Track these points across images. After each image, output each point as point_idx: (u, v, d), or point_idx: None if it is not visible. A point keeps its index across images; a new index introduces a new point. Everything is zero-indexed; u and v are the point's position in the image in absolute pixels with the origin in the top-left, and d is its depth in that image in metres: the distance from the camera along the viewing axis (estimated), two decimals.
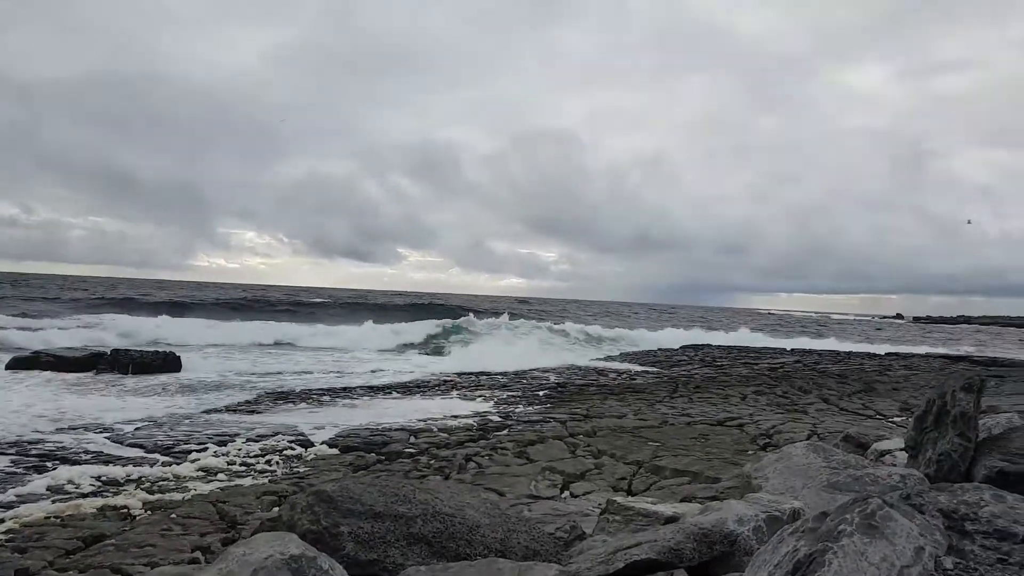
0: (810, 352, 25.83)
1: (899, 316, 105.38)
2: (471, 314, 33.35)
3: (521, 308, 56.21)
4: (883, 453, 4.99)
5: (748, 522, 3.07)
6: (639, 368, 19.23)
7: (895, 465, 4.39)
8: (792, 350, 26.84)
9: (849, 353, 26.04)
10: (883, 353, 26.60)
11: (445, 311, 37.86)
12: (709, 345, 28.23)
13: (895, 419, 10.67)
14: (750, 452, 8.18)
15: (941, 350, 29.83)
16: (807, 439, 8.95)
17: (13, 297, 38.48)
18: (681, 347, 26.92)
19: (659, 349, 26.31)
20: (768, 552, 2.29)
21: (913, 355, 25.92)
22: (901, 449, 4.54)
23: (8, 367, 14.41)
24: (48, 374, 14.02)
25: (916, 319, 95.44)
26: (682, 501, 5.34)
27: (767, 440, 8.98)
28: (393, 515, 3.20)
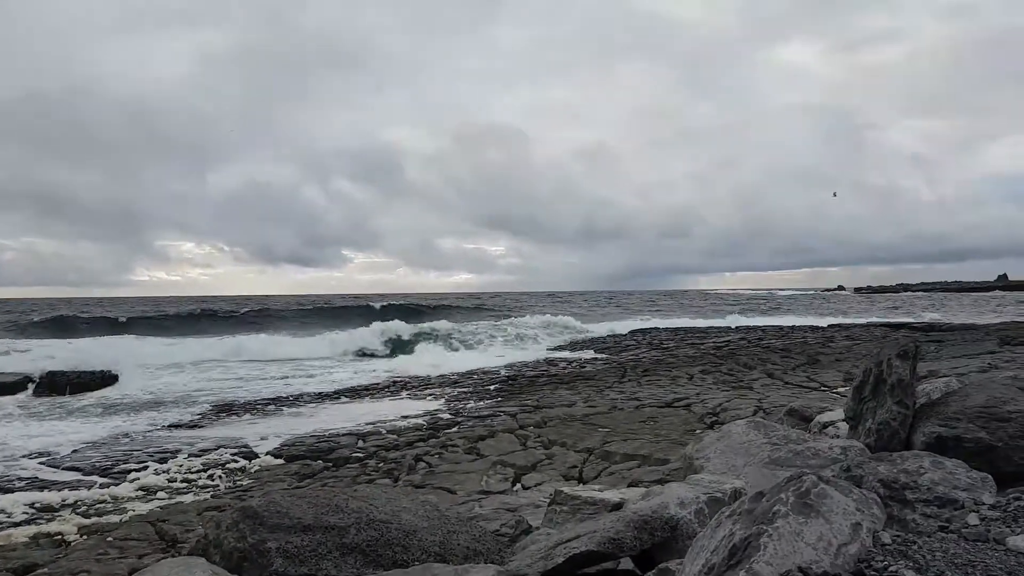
0: (754, 329, 26.31)
1: (841, 288, 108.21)
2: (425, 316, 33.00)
3: (468, 302, 55.98)
4: (826, 425, 5.02)
5: (689, 505, 3.02)
6: (589, 356, 19.30)
7: (838, 437, 4.40)
8: (736, 328, 27.30)
9: (792, 327, 26.61)
10: (825, 325, 27.26)
11: (397, 312, 37.43)
12: (656, 328, 28.50)
13: (839, 389, 10.87)
14: (698, 431, 8.22)
15: (881, 319, 30.73)
16: (753, 415, 9.06)
17: None
18: (630, 332, 27.11)
19: (608, 335, 26.45)
20: (706, 537, 2.22)
21: (854, 325, 26.63)
22: (843, 420, 4.56)
23: None
24: None
25: (858, 290, 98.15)
26: (630, 486, 5.31)
27: (714, 418, 9.05)
28: (324, 526, 3.06)
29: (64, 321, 36.88)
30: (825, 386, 11.56)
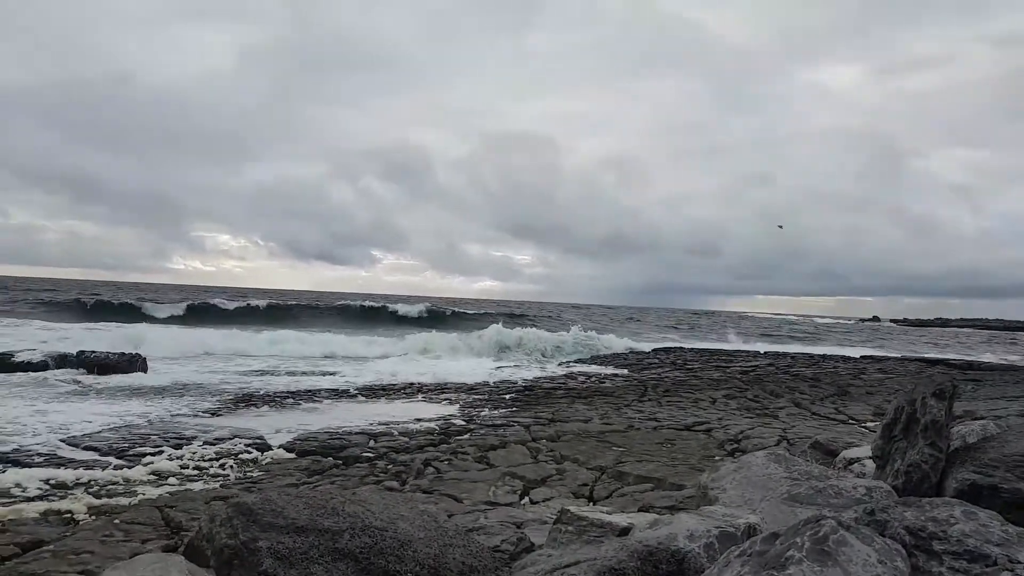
0: (783, 355, 25.82)
1: (876, 319, 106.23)
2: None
3: (493, 309, 55.87)
4: (852, 461, 4.81)
5: (699, 538, 2.85)
6: (609, 371, 19.06)
7: (863, 475, 4.20)
8: (765, 353, 26.81)
9: (824, 356, 26.07)
10: (858, 356, 26.67)
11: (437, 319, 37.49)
12: (681, 348, 28.12)
13: (868, 424, 10.56)
14: (717, 458, 8.01)
15: (917, 353, 30.01)
16: (776, 444, 8.81)
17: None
18: (653, 350, 26.77)
19: (630, 352, 26.14)
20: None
21: (888, 358, 26.02)
22: (870, 457, 4.36)
23: None
24: (14, 375, 13.61)
25: (894, 321, 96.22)
26: (640, 510, 5.14)
27: (735, 445, 8.81)
28: (318, 529, 2.95)
29: (100, 305, 37.40)
30: (854, 419, 11.23)
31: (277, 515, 2.98)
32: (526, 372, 18.16)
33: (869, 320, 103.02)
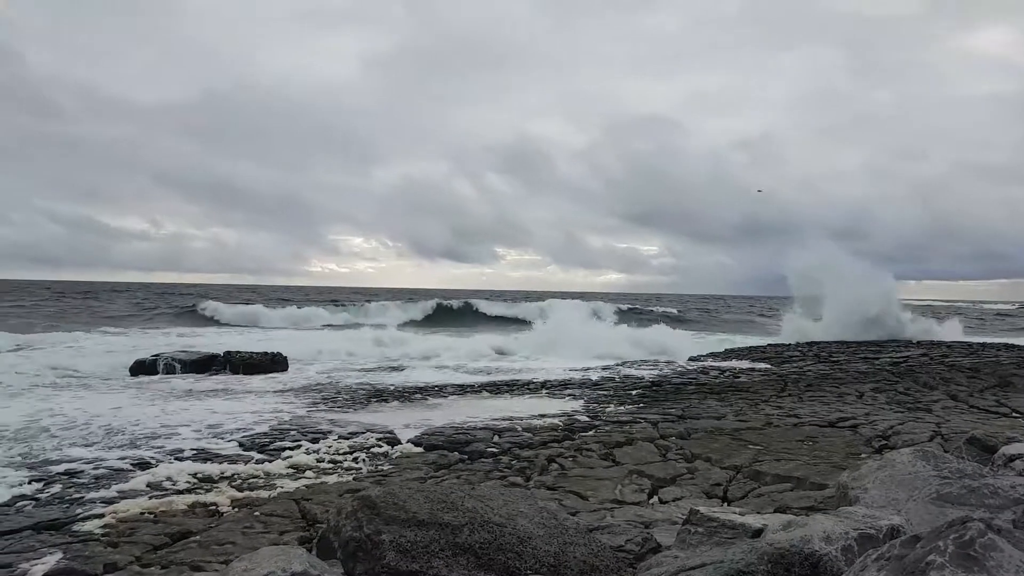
0: (938, 344, 23.94)
1: None
2: None
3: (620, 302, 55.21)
4: (1012, 458, 4.35)
5: (836, 541, 2.65)
6: (745, 365, 18.30)
7: None
8: (919, 343, 24.95)
9: (983, 344, 23.97)
10: (1023, 344, 24.33)
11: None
12: (825, 340, 26.62)
13: None
14: (863, 456, 7.50)
15: None
16: (929, 440, 8.16)
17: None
18: (794, 341, 25.53)
19: (768, 344, 25.05)
20: None
21: None
22: None
23: (131, 372, 15.26)
24: (167, 376, 14.82)
25: None
26: (776, 511, 4.88)
27: (883, 442, 8.22)
28: (438, 523, 2.99)
29: (250, 310, 39.69)
30: (1017, 412, 10.23)
31: (399, 509, 3.05)
32: (652, 368, 17.77)
33: None
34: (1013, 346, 23.41)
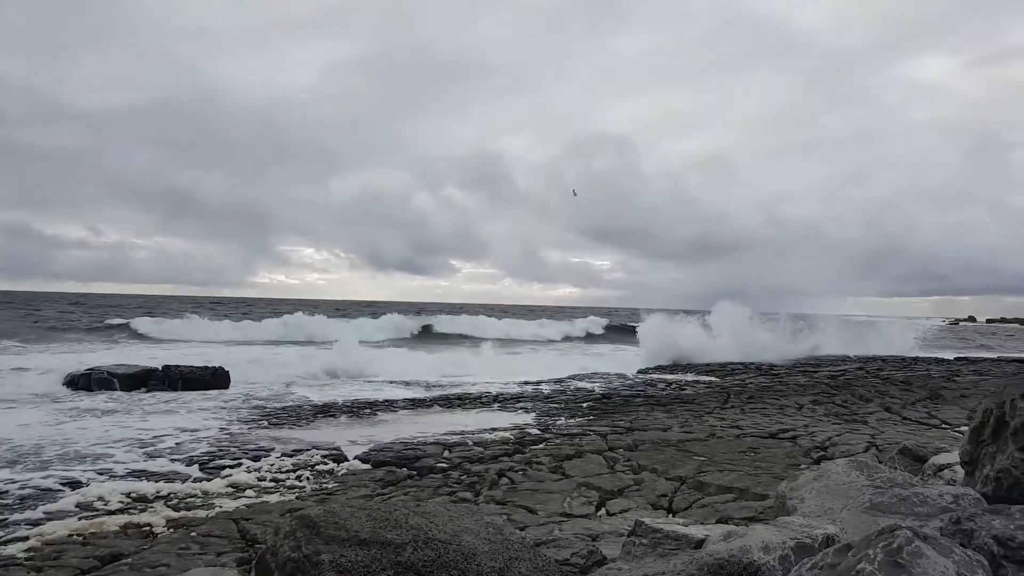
0: (873, 359, 24.71)
1: (971, 319, 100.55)
2: None
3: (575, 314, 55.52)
4: (941, 468, 4.52)
5: (774, 551, 2.70)
6: (690, 378, 18.62)
7: (953, 482, 3.93)
8: (855, 357, 25.69)
9: (916, 359, 24.84)
10: (952, 358, 25.31)
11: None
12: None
13: (961, 428, 9.96)
14: (803, 466, 7.68)
15: (1015, 354, 28.21)
16: (864, 451, 8.40)
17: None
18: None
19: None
20: None
21: (984, 359, 24.61)
22: (960, 463, 4.08)
23: (65, 384, 14.69)
24: (101, 392, 14.29)
25: (990, 321, 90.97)
26: (719, 522, 4.95)
27: (822, 453, 8.44)
28: (381, 542, 2.93)
29: (188, 323, 38.57)
30: (947, 424, 10.63)
31: (340, 527, 2.98)
32: (602, 381, 17.90)
33: (965, 320, 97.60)
34: (943, 360, 24.33)
